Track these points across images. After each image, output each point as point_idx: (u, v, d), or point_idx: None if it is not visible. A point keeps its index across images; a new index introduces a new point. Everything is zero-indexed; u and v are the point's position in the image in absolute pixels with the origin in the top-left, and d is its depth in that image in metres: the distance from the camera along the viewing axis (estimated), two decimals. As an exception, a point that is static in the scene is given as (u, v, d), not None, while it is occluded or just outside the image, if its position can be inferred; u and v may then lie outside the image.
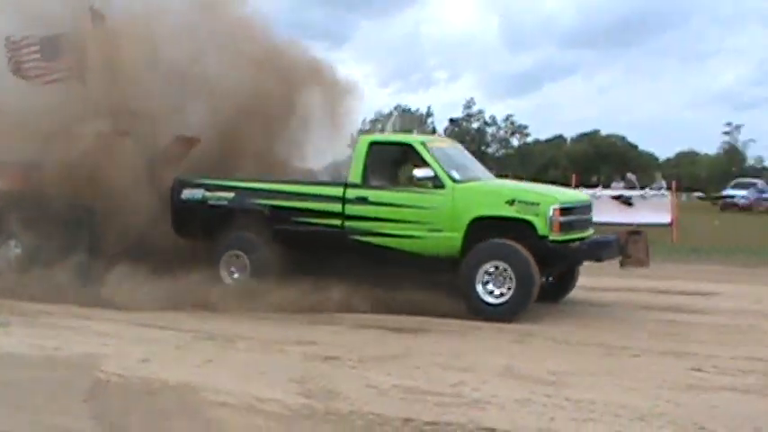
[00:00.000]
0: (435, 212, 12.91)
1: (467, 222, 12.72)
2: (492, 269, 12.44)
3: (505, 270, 12.37)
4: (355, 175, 13.53)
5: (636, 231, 13.78)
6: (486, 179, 14.21)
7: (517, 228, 12.55)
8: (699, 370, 9.45)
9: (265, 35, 16.07)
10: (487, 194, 13.17)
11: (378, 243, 13.13)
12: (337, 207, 13.41)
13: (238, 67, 15.28)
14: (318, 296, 12.76)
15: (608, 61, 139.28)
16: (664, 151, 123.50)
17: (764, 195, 55.32)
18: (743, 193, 54.55)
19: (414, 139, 14.17)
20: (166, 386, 8.55)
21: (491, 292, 12.44)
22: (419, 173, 12.99)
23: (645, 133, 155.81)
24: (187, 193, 14.38)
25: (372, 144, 13.73)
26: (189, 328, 11.69)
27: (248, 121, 14.83)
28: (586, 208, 13.70)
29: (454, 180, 13.05)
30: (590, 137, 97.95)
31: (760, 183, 59.30)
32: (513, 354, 10.22)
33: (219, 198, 14.19)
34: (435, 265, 13.00)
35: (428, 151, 13.33)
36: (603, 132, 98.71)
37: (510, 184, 14.60)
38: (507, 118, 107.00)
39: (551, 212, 12.46)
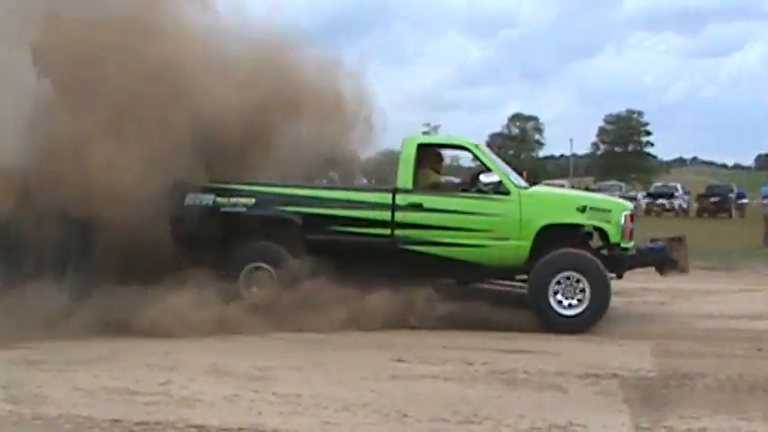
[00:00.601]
0: (501, 220, 12.18)
1: (536, 230, 12.10)
2: (562, 280, 11.97)
3: (577, 280, 11.92)
4: (405, 179, 12.46)
5: (678, 238, 13.56)
6: (534, 185, 13.70)
7: (587, 235, 12.41)
8: (401, 360, 9.82)
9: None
10: (558, 201, 12.89)
11: (434, 253, 12.19)
12: (385, 215, 12.32)
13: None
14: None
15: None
16: (366, 150, 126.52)
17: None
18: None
19: (467, 140, 13.15)
20: None
21: (566, 304, 11.95)
22: (486, 178, 12.25)
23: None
24: (192, 198, 12.47)
25: (420, 146, 12.78)
26: None
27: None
28: (633, 216, 13.32)
29: (518, 186, 12.55)
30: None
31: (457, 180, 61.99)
32: (221, 351, 10.24)
33: (236, 204, 12.52)
34: (495, 275, 12.67)
35: (484, 153, 12.83)
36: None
37: (569, 190, 14.08)
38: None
39: (623, 219, 12.24)
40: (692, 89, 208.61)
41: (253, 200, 12.50)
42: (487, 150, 13.42)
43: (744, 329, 12.31)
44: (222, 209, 12.48)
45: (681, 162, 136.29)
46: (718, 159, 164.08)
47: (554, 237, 12.09)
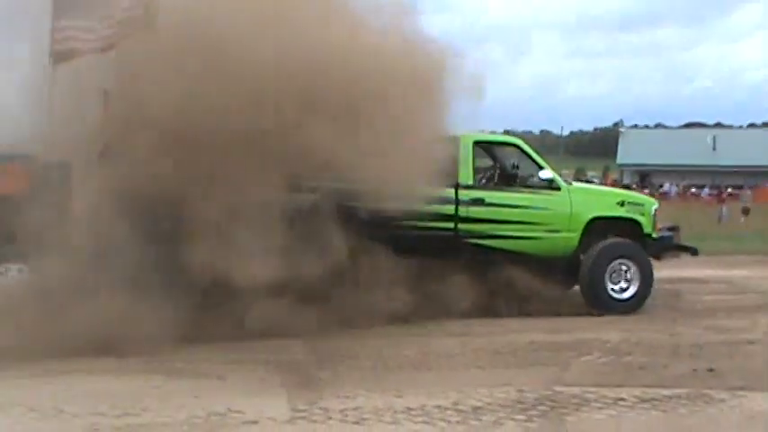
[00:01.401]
0: (554, 213, 13.17)
1: (584, 223, 13.25)
2: (613, 267, 13.11)
3: (625, 267, 13.13)
4: (465, 176, 13.09)
5: (674, 227, 14.83)
6: None
7: (625, 227, 13.49)
8: (53, 355, 9.43)
9: None
10: (601, 197, 14.16)
11: (495, 246, 12.92)
12: (449, 209, 12.77)
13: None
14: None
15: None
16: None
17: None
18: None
19: (517, 139, 13.93)
20: None
21: (618, 289, 13.13)
22: (543, 175, 13.22)
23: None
24: None
25: (476, 143, 13.42)
26: None
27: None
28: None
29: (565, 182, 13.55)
30: None
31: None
32: None
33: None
34: (543, 266, 13.01)
35: (533, 151, 13.60)
36: None
37: (600, 187, 15.17)
38: None
39: (653, 212, 13.79)
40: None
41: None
42: None
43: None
44: None
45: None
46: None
47: (604, 228, 13.38)
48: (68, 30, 11.37)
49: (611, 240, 13.30)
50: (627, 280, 13.18)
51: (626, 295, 13.18)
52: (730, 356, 9.99)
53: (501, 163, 14.02)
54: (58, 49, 11.36)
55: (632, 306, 13.12)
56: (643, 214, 13.73)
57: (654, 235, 13.79)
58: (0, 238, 10.61)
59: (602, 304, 13.08)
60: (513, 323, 12.01)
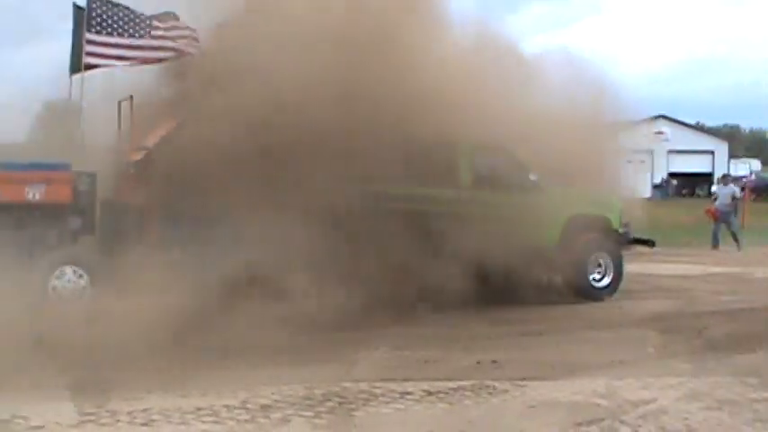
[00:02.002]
0: (540, 211, 13.75)
1: (565, 220, 14.15)
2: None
3: (601, 259, 14.41)
4: (465, 178, 14.02)
5: (626, 223, 15.33)
6: None
7: (596, 223, 14.55)
8: None
9: None
10: (578, 196, 14.76)
11: None
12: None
13: None
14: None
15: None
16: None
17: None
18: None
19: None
20: None
21: (597, 278, 14.41)
22: (532, 177, 13.99)
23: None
24: None
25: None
26: None
27: None
28: None
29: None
30: None
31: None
32: None
33: None
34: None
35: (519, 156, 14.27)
36: None
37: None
38: None
39: (619, 210, 14.91)
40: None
41: None
42: None
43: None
44: None
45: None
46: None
47: (579, 224, 14.35)
48: (98, 44, 12.61)
49: (591, 235, 14.47)
50: (603, 270, 14.40)
51: (603, 284, 14.42)
52: (514, 348, 10.52)
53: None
54: (88, 61, 12.57)
55: (609, 293, 14.40)
56: (612, 212, 14.87)
57: (620, 230, 14.90)
58: (52, 242, 11.77)
59: (585, 292, 14.29)
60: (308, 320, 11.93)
